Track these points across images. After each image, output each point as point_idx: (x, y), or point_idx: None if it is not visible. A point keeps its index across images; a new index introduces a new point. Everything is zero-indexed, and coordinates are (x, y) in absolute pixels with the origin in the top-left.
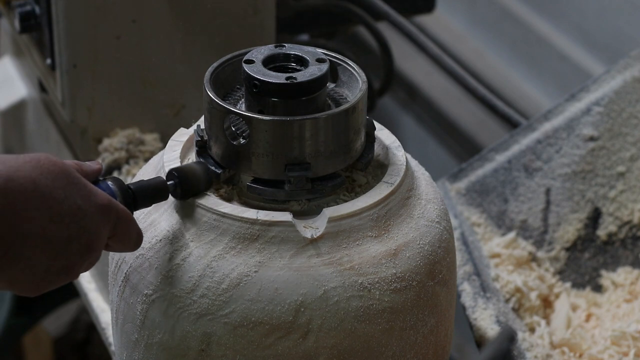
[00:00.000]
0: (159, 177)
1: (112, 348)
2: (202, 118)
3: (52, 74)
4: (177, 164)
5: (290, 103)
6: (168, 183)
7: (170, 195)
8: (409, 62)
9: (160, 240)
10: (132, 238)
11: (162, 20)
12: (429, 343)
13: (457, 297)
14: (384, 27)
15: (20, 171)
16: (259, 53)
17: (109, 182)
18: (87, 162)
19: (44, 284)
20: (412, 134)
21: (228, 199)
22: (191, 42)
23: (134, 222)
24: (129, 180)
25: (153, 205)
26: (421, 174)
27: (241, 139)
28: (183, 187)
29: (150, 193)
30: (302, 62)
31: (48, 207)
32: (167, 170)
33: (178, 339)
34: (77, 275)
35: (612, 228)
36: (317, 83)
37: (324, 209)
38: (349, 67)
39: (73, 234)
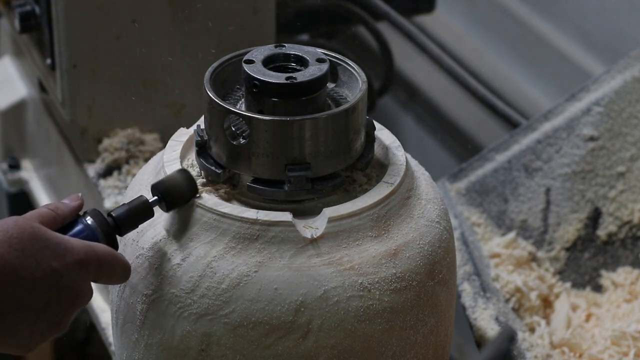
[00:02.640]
0: (140, 197)
1: (112, 348)
2: (202, 118)
3: (52, 74)
4: (177, 164)
5: (290, 103)
6: (151, 200)
7: (157, 209)
8: (409, 62)
9: (160, 240)
10: (119, 275)
11: (162, 20)
12: (429, 343)
13: (457, 297)
14: (384, 27)
15: None
16: (259, 53)
17: (88, 219)
18: (65, 202)
19: (32, 344)
20: (412, 134)
21: (228, 199)
22: (191, 42)
23: (118, 259)
24: (128, 181)
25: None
26: (421, 174)
27: (241, 139)
28: (167, 201)
29: (134, 216)
30: (302, 62)
31: (20, 279)
32: (167, 171)
33: (178, 339)
34: (65, 328)
35: (612, 228)
36: (317, 83)
37: (324, 209)
38: (349, 67)
39: (51, 296)
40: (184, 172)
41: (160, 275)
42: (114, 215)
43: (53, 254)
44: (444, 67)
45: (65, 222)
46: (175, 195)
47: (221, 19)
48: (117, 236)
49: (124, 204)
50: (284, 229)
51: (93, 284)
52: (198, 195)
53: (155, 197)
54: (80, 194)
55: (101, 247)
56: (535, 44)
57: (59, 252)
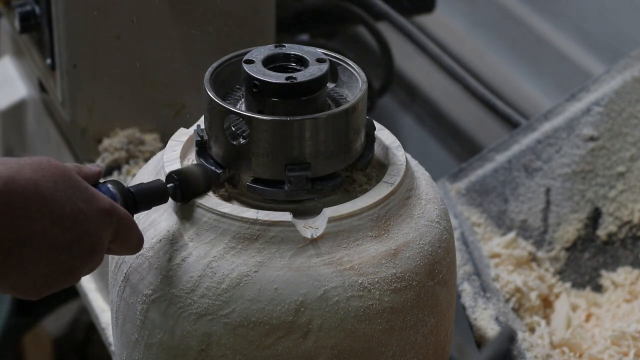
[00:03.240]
0: (158, 180)
1: (112, 348)
2: (202, 118)
3: (52, 74)
4: (177, 164)
5: (290, 103)
6: (168, 186)
7: (170, 198)
8: (409, 62)
9: (160, 240)
10: (133, 242)
11: (162, 20)
12: (429, 343)
13: (457, 297)
14: (384, 27)
15: (20, 173)
16: (259, 53)
17: (110, 185)
18: (87, 165)
19: (45, 287)
20: (412, 134)
21: (228, 199)
22: (191, 42)
23: (135, 226)
24: (128, 181)
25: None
26: (421, 174)
27: (241, 139)
28: (183, 190)
29: (150, 196)
30: (302, 62)
31: (49, 210)
32: (167, 170)
33: (178, 339)
34: (78, 279)
35: (612, 228)
36: (317, 83)
37: (324, 209)
38: (349, 67)
39: (75, 237)
40: (201, 166)
41: (160, 275)
42: (132, 190)
43: (82, 196)
44: (444, 67)
45: (88, 183)
46: (192, 185)
47: (221, 19)
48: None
49: (142, 183)
50: (284, 229)
51: (94, 284)
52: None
53: (172, 184)
54: (101, 164)
55: (123, 209)
56: (535, 44)
57: (87, 196)
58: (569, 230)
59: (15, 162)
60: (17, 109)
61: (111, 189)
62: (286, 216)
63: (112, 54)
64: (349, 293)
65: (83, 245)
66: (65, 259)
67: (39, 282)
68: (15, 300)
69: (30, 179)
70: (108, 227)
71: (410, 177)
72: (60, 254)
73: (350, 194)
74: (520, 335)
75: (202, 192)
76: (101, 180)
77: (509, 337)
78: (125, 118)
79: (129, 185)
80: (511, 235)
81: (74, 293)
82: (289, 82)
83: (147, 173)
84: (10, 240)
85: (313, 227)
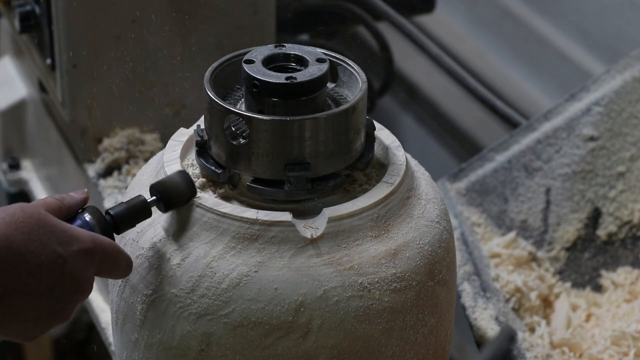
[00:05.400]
0: (139, 196)
1: (112, 348)
2: (202, 118)
3: (52, 74)
4: (177, 164)
5: (290, 103)
6: (150, 200)
7: (155, 209)
8: (409, 62)
9: (160, 240)
10: (120, 269)
11: (162, 20)
12: (429, 343)
13: (457, 297)
14: (384, 27)
15: None
16: (259, 53)
17: (87, 217)
18: (71, 194)
19: (37, 330)
20: (412, 134)
21: (228, 199)
22: (191, 42)
23: (120, 254)
24: (128, 181)
25: None
26: (421, 174)
27: (241, 139)
28: (165, 202)
29: (131, 216)
30: (302, 62)
31: (24, 262)
32: (167, 171)
33: (178, 339)
34: (69, 316)
35: (612, 228)
36: (317, 83)
37: (324, 209)
38: (349, 67)
39: (55, 282)
40: (183, 173)
41: (160, 275)
42: (112, 213)
43: (59, 240)
44: (444, 67)
45: (70, 214)
46: (174, 196)
47: (221, 19)
48: (114, 234)
49: (122, 203)
50: (284, 229)
51: (94, 284)
52: (197, 197)
53: (154, 197)
54: (86, 190)
55: (106, 239)
56: (535, 44)
57: (65, 239)
58: (569, 230)
59: None
60: (17, 109)
61: (88, 220)
62: (286, 216)
63: (112, 54)
64: (348, 293)
65: (65, 288)
66: (50, 303)
67: (28, 328)
68: None
69: (2, 235)
70: (91, 265)
71: (410, 177)
72: (43, 301)
73: (350, 194)
74: (520, 335)
75: (188, 199)
76: (80, 209)
77: (509, 337)
78: (125, 118)
79: (110, 208)
80: (511, 235)
81: None
82: (288, 82)
83: (147, 173)
84: None
85: (313, 227)
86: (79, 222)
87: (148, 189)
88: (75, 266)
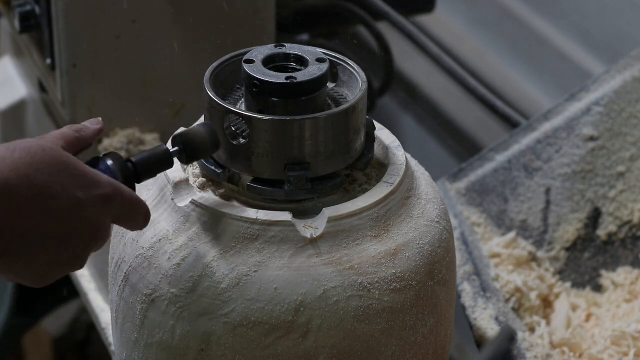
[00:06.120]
0: (161, 145)
1: (112, 348)
2: (202, 118)
3: (52, 74)
4: (177, 163)
5: (290, 103)
6: (172, 150)
7: (176, 161)
8: (409, 62)
9: (160, 240)
10: (139, 219)
11: (162, 20)
12: (428, 343)
13: (457, 297)
14: (384, 27)
15: (14, 170)
16: (259, 53)
17: (109, 162)
18: (85, 124)
19: (50, 275)
20: (412, 134)
21: (228, 198)
22: (191, 42)
23: (140, 204)
24: None
25: (153, 205)
26: (421, 174)
27: (241, 139)
28: (188, 152)
29: (153, 164)
30: (302, 62)
31: (44, 204)
32: (167, 173)
33: (178, 338)
34: (83, 264)
35: (612, 228)
36: (317, 83)
37: (324, 209)
38: (349, 67)
39: (73, 227)
40: (208, 125)
41: (160, 275)
42: (133, 160)
43: (80, 184)
44: (444, 67)
45: (87, 145)
46: (198, 146)
47: (221, 19)
48: (135, 184)
49: (144, 151)
50: (284, 229)
51: (94, 284)
52: (197, 197)
53: (177, 148)
54: (100, 119)
55: (126, 188)
56: (535, 44)
57: (86, 183)
58: (569, 230)
59: (9, 158)
60: (17, 109)
61: (111, 166)
62: (286, 216)
63: (112, 54)
64: (348, 293)
65: (83, 234)
66: (65, 248)
67: (42, 271)
68: (16, 300)
69: (23, 175)
70: (109, 211)
71: (410, 177)
72: (60, 245)
73: (350, 194)
74: (520, 335)
75: (210, 152)
76: (100, 156)
77: (509, 337)
78: (125, 118)
79: (131, 156)
80: (511, 235)
81: (74, 293)
82: (289, 82)
83: None
84: (8, 236)
85: (313, 227)
86: (101, 167)
87: (148, 188)
88: (94, 212)
